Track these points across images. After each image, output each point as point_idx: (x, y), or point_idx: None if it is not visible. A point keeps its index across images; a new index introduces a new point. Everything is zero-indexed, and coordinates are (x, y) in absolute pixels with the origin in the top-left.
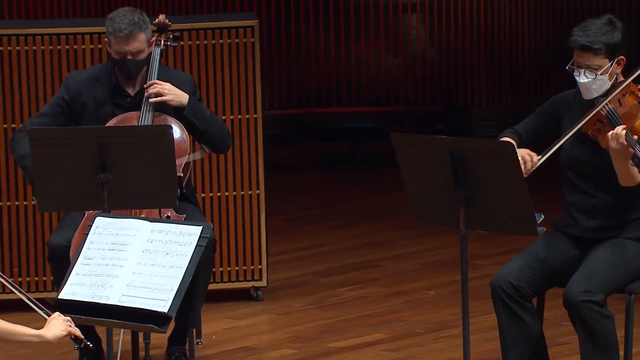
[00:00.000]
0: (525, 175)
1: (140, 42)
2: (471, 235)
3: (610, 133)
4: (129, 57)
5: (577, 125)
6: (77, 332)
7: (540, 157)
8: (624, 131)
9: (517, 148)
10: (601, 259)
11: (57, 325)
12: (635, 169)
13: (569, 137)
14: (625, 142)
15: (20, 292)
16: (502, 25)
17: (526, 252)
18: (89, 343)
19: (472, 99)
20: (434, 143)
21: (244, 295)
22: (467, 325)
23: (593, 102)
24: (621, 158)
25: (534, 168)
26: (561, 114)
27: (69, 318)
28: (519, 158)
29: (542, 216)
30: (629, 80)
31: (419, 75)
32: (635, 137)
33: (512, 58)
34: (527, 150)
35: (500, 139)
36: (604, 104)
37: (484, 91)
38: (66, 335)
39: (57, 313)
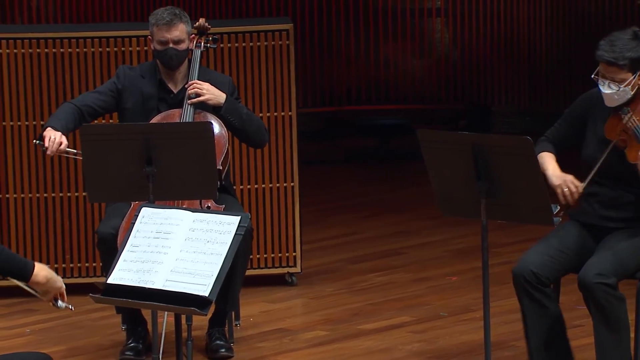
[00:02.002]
0: (573, 205)
1: (181, 31)
2: (491, 224)
3: None
4: (171, 45)
5: (609, 148)
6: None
7: (583, 184)
8: None
9: (560, 174)
10: (615, 245)
11: (53, 280)
12: None
13: (607, 154)
14: None
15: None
16: (520, 28)
17: (545, 241)
18: (70, 307)
19: (492, 97)
20: (456, 139)
21: (280, 281)
22: (488, 309)
23: (615, 110)
24: None
25: (579, 195)
26: (586, 115)
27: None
28: (566, 188)
29: (558, 207)
30: None
31: (443, 75)
32: None
33: (530, 59)
34: (571, 178)
35: (540, 153)
36: (628, 116)
37: (503, 90)
38: (47, 290)
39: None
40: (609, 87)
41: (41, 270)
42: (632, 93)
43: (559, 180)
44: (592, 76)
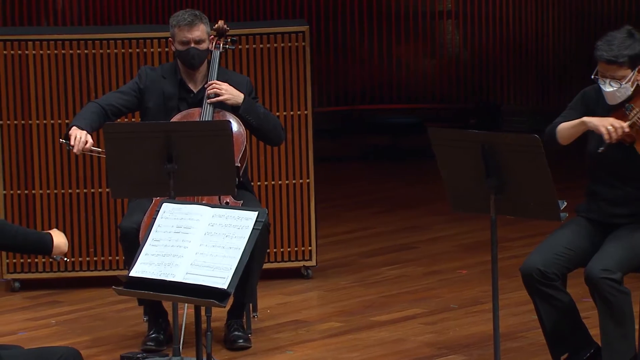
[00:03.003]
0: (614, 141)
1: (201, 31)
2: (500, 220)
3: None
4: (192, 44)
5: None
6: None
7: (627, 122)
8: None
9: (598, 117)
10: (620, 241)
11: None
12: None
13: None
14: None
15: None
16: (529, 30)
17: (551, 239)
18: (64, 258)
19: (502, 96)
20: (466, 137)
21: (296, 274)
22: (497, 301)
23: (617, 107)
24: None
25: (624, 131)
26: (592, 107)
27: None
28: (610, 125)
29: (565, 203)
30: None
31: (454, 75)
32: None
33: (538, 60)
34: (613, 119)
35: (556, 128)
36: (637, 115)
37: (512, 89)
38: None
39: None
40: (610, 85)
41: (59, 238)
42: (632, 89)
43: (599, 121)
44: (592, 76)
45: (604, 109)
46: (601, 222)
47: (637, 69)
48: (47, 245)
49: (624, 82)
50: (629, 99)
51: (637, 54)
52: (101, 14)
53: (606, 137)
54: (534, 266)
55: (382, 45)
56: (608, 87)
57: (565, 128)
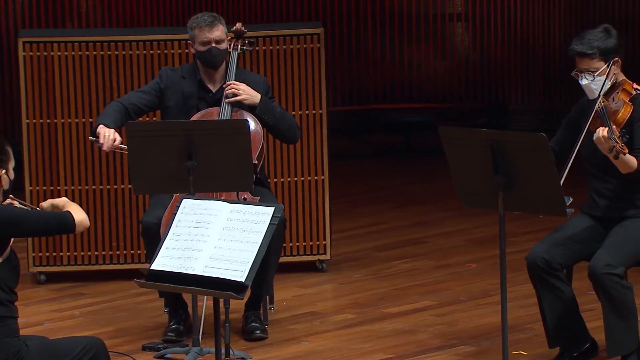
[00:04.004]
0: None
1: (221, 31)
2: (508, 215)
3: (594, 137)
4: (213, 44)
5: (585, 125)
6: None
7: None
8: (605, 130)
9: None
10: (621, 237)
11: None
12: (630, 157)
13: (583, 134)
14: (608, 138)
15: None
16: (536, 32)
17: (556, 232)
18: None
19: (509, 96)
20: (475, 135)
21: (311, 267)
22: (505, 294)
23: (599, 119)
24: (608, 153)
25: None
26: (577, 118)
27: None
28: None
29: (571, 199)
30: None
31: (463, 76)
32: (615, 127)
33: (545, 61)
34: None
35: None
36: (598, 101)
37: (519, 90)
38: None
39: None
40: (585, 78)
41: (79, 215)
42: (610, 83)
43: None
44: (572, 74)
45: (588, 111)
46: (603, 218)
47: (611, 63)
48: (69, 224)
49: (596, 74)
50: (607, 94)
51: (608, 48)
52: (124, 16)
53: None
54: (539, 255)
55: (394, 46)
56: (584, 81)
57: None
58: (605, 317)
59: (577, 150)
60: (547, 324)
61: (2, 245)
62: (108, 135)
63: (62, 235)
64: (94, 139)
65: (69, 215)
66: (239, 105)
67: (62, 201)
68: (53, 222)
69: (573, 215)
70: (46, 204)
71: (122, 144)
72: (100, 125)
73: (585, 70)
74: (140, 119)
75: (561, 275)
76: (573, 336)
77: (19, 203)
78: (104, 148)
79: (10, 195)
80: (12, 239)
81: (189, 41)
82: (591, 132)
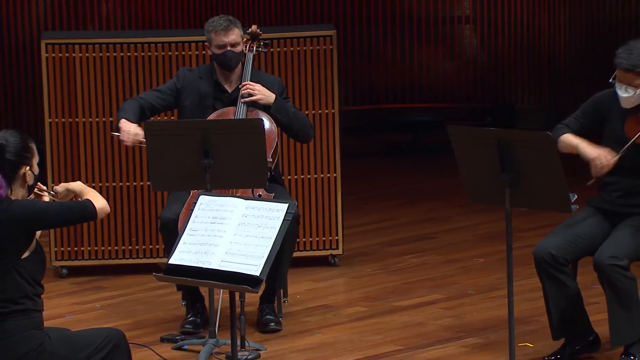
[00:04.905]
0: (600, 175)
1: (236, 35)
2: (515, 211)
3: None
4: (229, 47)
5: (636, 136)
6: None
7: (614, 158)
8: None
9: (596, 147)
10: (627, 230)
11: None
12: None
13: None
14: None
15: None
16: (541, 34)
17: (563, 227)
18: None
19: (516, 96)
20: (483, 134)
21: (323, 262)
22: (511, 287)
23: (632, 111)
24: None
25: (609, 169)
26: (603, 113)
27: None
28: (599, 163)
29: (575, 195)
30: None
31: (471, 76)
32: None
33: (551, 61)
34: (607, 152)
35: (559, 135)
36: None
37: (526, 90)
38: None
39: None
40: (626, 91)
41: (99, 202)
42: None
43: (596, 153)
44: (610, 80)
45: (618, 113)
46: (612, 212)
47: None
48: (91, 213)
49: (639, 90)
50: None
51: None
52: (142, 19)
53: (593, 172)
54: (546, 250)
55: (405, 48)
56: (624, 93)
57: (565, 143)
58: (609, 308)
59: (605, 145)
60: (552, 317)
61: (28, 238)
62: (130, 130)
63: (83, 225)
64: (116, 134)
65: (89, 204)
66: (254, 105)
67: (79, 186)
68: (75, 212)
69: (580, 210)
70: (60, 187)
71: (143, 138)
72: (122, 120)
73: (628, 84)
74: (158, 117)
75: (567, 270)
76: (577, 329)
77: (48, 194)
78: (127, 142)
79: (39, 184)
80: (38, 232)
81: (206, 43)
82: (625, 137)
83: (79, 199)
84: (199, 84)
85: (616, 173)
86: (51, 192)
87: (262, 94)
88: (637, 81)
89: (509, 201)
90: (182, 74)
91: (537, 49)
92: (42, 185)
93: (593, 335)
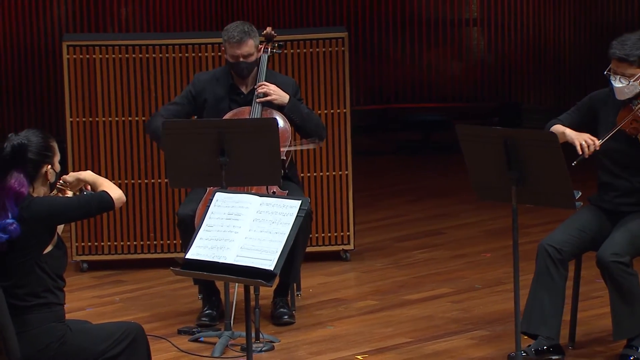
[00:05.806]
0: (587, 156)
1: (249, 46)
2: (521, 208)
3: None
4: (241, 59)
5: (620, 125)
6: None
7: (600, 141)
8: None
9: (576, 132)
10: (628, 228)
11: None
12: None
13: (615, 131)
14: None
15: None
16: (547, 35)
17: (568, 222)
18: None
19: (522, 96)
20: (490, 133)
21: (335, 257)
22: (517, 282)
23: (626, 102)
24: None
25: (595, 150)
26: (597, 109)
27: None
28: (583, 141)
29: (580, 193)
30: None
31: (479, 77)
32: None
33: (556, 62)
34: (589, 135)
35: (550, 127)
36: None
37: (532, 90)
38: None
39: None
40: (620, 81)
41: (115, 193)
42: None
43: (577, 135)
44: (605, 72)
45: (613, 107)
46: (611, 211)
47: None
48: (108, 204)
49: (632, 80)
50: (637, 96)
51: None
52: (161, 22)
53: (579, 150)
54: (550, 243)
55: (414, 49)
56: (618, 83)
57: (554, 130)
58: (612, 303)
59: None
60: (528, 305)
61: (50, 234)
62: None
63: (103, 220)
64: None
65: (106, 195)
66: (269, 104)
67: (90, 176)
68: (94, 204)
69: (582, 207)
70: (70, 177)
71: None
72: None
73: (621, 74)
74: None
75: (562, 268)
76: (546, 328)
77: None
78: None
79: (62, 177)
80: (60, 228)
81: (222, 47)
82: (620, 131)
83: (92, 190)
84: (215, 86)
85: (609, 170)
86: (60, 181)
87: (277, 94)
88: (630, 71)
89: (515, 198)
90: (197, 80)
91: (542, 50)
92: (64, 186)
93: (555, 343)
